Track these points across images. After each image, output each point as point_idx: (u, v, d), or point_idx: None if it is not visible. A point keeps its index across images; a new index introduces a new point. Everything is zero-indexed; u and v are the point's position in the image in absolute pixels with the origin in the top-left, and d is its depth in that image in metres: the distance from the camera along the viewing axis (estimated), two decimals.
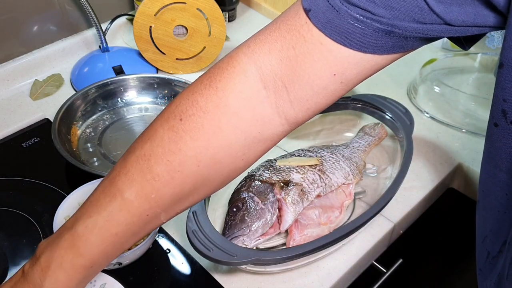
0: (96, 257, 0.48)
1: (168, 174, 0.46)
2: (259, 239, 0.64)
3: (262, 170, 0.70)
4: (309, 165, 0.71)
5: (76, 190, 0.69)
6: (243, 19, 1.17)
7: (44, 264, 0.47)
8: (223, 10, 0.99)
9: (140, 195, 0.46)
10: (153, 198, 0.46)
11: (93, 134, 0.86)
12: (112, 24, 1.03)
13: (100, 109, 0.90)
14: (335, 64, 0.44)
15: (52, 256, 0.47)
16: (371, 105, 0.82)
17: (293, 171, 0.70)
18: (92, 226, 0.47)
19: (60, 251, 0.47)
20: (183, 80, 0.90)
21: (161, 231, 0.71)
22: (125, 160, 0.48)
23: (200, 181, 0.47)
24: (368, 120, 0.86)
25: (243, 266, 0.64)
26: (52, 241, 0.48)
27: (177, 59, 0.98)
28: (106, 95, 0.90)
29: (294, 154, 0.75)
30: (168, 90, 0.92)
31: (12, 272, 0.66)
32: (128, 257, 0.63)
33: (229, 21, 1.15)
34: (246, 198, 0.66)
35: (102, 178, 0.69)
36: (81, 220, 0.47)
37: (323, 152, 0.75)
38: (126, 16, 1.08)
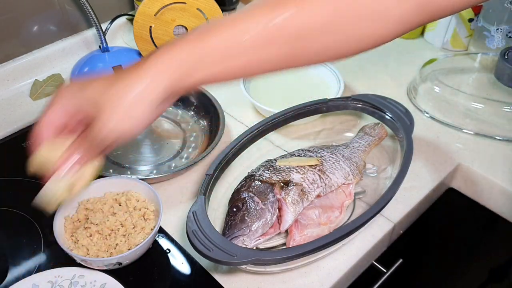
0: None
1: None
2: (259, 239, 0.64)
3: (262, 170, 0.71)
4: (309, 165, 0.71)
5: None
6: None
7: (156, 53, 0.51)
8: (223, 10, 0.99)
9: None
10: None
11: None
12: (112, 24, 1.03)
13: None
14: None
15: (165, 50, 0.51)
16: (371, 105, 0.82)
17: (293, 171, 0.70)
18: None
19: (175, 48, 0.51)
20: None
21: (161, 231, 0.71)
22: None
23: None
24: (368, 120, 0.86)
25: (243, 266, 0.64)
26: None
27: None
28: None
29: (294, 154, 0.75)
30: None
31: (12, 272, 0.66)
32: (128, 257, 0.63)
33: None
34: (246, 198, 0.66)
35: (101, 178, 0.69)
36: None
37: (323, 152, 0.75)
38: (126, 16, 1.08)
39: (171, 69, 0.51)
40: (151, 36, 0.95)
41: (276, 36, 0.50)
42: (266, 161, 0.73)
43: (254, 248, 0.65)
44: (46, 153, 0.56)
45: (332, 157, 0.74)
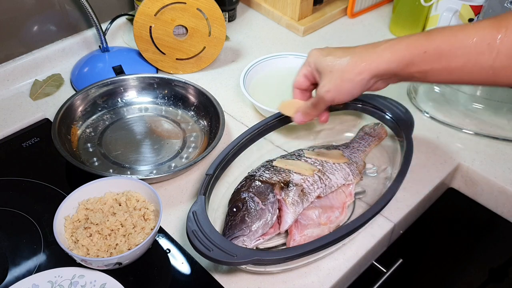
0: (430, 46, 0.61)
1: None
2: (259, 239, 0.64)
3: (263, 171, 0.71)
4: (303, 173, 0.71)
5: (76, 190, 0.69)
6: (243, 19, 1.17)
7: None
8: (223, 10, 1.00)
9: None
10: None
11: (93, 134, 0.86)
12: (112, 24, 1.03)
13: (100, 109, 0.90)
14: None
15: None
16: (371, 105, 0.82)
17: (293, 171, 0.70)
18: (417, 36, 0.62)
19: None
20: (183, 80, 0.90)
21: (161, 231, 0.72)
22: None
23: None
24: (368, 120, 0.86)
25: (243, 266, 0.64)
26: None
27: (177, 59, 0.98)
28: (106, 95, 0.90)
29: (294, 154, 0.75)
30: (168, 90, 0.92)
31: (12, 272, 0.66)
32: (128, 257, 0.63)
33: (229, 21, 1.15)
34: (246, 198, 0.66)
35: (101, 178, 0.70)
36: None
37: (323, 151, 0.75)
38: (126, 16, 1.08)
39: (395, 55, 0.62)
40: (151, 36, 0.95)
41: (500, 50, 0.57)
42: (266, 161, 0.73)
43: (254, 248, 0.65)
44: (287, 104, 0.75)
45: None
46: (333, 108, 0.81)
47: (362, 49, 0.65)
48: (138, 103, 0.92)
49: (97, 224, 0.66)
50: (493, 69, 0.58)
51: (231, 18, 1.15)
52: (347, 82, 0.65)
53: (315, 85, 0.72)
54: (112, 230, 0.66)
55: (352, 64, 0.64)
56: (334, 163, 0.73)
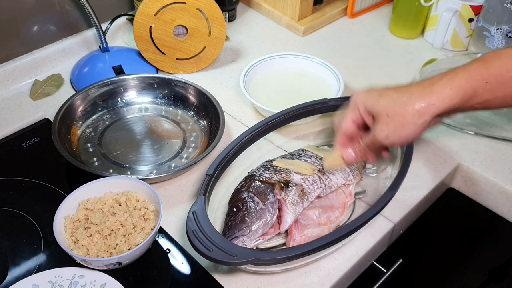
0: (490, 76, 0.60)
1: None
2: (259, 239, 0.64)
3: (263, 171, 0.71)
4: (303, 173, 0.71)
5: (76, 190, 0.69)
6: (243, 19, 1.17)
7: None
8: (223, 10, 1.00)
9: None
10: None
11: (93, 134, 0.86)
12: (112, 24, 1.03)
13: (100, 109, 0.90)
14: None
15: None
16: None
17: (293, 171, 0.70)
18: (475, 65, 0.61)
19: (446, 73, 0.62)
20: (183, 80, 0.90)
21: (161, 231, 0.71)
22: None
23: None
24: None
25: (243, 266, 0.64)
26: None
27: (177, 59, 0.98)
28: (106, 95, 0.90)
29: (294, 154, 0.75)
30: (168, 90, 0.92)
31: (12, 272, 0.66)
32: (128, 257, 0.63)
33: (229, 21, 1.15)
34: (246, 198, 0.66)
35: (101, 178, 0.70)
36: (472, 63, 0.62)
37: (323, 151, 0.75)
38: (126, 16, 1.08)
39: (456, 91, 0.60)
40: (151, 36, 0.95)
41: None
42: (266, 161, 0.73)
43: (254, 248, 0.65)
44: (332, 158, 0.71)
45: None
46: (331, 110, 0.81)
47: (418, 88, 0.62)
48: (138, 103, 0.92)
49: (97, 224, 0.66)
50: None
51: (231, 18, 1.15)
52: (408, 126, 0.62)
53: (363, 129, 0.68)
54: (112, 230, 0.66)
55: (412, 106, 0.61)
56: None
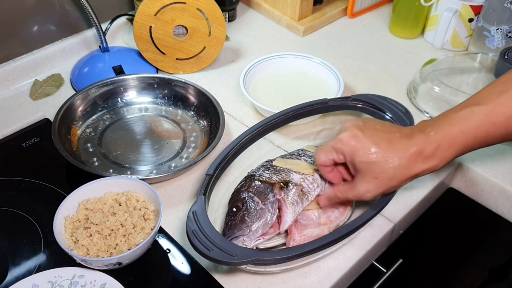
0: (466, 140, 0.57)
1: None
2: (259, 239, 0.64)
3: (262, 171, 0.71)
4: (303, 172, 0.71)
5: (76, 190, 0.69)
6: (243, 19, 1.17)
7: (427, 132, 0.58)
8: (223, 10, 1.00)
9: None
10: None
11: (93, 134, 0.86)
12: (112, 24, 1.03)
13: (100, 109, 0.90)
14: None
15: (434, 128, 0.58)
16: (371, 105, 0.82)
17: (293, 171, 0.70)
18: (477, 111, 0.57)
19: (441, 125, 0.58)
20: (183, 80, 0.90)
21: (161, 231, 0.72)
22: None
23: None
24: None
25: (243, 266, 0.64)
26: (436, 119, 0.59)
27: (177, 59, 0.98)
28: (106, 95, 0.90)
29: (294, 154, 0.75)
30: (168, 90, 0.92)
31: (12, 272, 0.66)
32: (128, 257, 0.63)
33: (229, 21, 1.15)
34: (246, 198, 0.66)
35: (101, 178, 0.69)
36: (469, 107, 0.57)
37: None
38: (126, 16, 1.08)
39: (454, 153, 0.58)
40: (151, 36, 0.95)
41: None
42: (266, 161, 0.73)
43: (254, 248, 0.65)
44: None
45: None
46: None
47: (417, 147, 0.57)
48: (138, 103, 0.92)
49: (97, 224, 0.66)
50: None
51: (231, 18, 1.15)
52: (393, 188, 0.60)
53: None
54: (112, 230, 0.66)
55: (402, 170, 0.58)
56: None
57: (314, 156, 0.65)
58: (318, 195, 0.70)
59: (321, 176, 0.71)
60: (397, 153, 0.57)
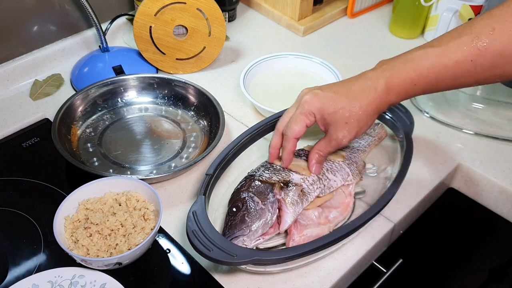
0: (418, 79, 0.61)
1: (503, 31, 0.57)
2: (259, 239, 0.64)
3: (262, 171, 0.71)
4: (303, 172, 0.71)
5: (76, 190, 0.69)
6: (243, 19, 1.17)
7: (382, 69, 0.63)
8: (223, 10, 1.00)
9: (475, 41, 0.58)
10: (483, 47, 0.57)
11: (93, 134, 0.86)
12: (112, 24, 1.03)
13: (100, 109, 0.90)
14: None
15: (389, 65, 0.63)
16: None
17: (292, 171, 0.70)
18: (430, 53, 0.60)
19: (396, 64, 0.62)
20: (183, 80, 0.90)
21: (161, 231, 0.72)
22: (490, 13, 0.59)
23: None
24: None
25: (243, 266, 0.64)
26: (393, 58, 0.64)
27: (177, 59, 0.98)
28: (106, 95, 0.90)
29: (294, 154, 0.75)
30: (168, 90, 0.92)
31: (12, 272, 0.66)
32: (128, 257, 0.63)
33: (229, 21, 1.15)
34: (246, 198, 0.66)
35: (101, 178, 0.69)
36: (424, 48, 0.61)
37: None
38: (126, 16, 1.08)
39: (406, 84, 0.62)
40: (151, 36, 0.95)
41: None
42: (266, 161, 0.73)
43: (254, 248, 0.65)
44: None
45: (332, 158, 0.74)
46: None
47: (372, 84, 0.63)
48: (138, 103, 0.92)
49: (97, 224, 0.66)
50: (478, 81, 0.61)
51: (231, 18, 1.15)
52: (364, 127, 0.65)
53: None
54: (112, 230, 0.66)
55: (365, 108, 0.63)
56: (333, 162, 0.73)
57: (288, 133, 0.67)
58: (318, 196, 0.70)
59: (319, 178, 0.71)
60: (357, 94, 0.63)
